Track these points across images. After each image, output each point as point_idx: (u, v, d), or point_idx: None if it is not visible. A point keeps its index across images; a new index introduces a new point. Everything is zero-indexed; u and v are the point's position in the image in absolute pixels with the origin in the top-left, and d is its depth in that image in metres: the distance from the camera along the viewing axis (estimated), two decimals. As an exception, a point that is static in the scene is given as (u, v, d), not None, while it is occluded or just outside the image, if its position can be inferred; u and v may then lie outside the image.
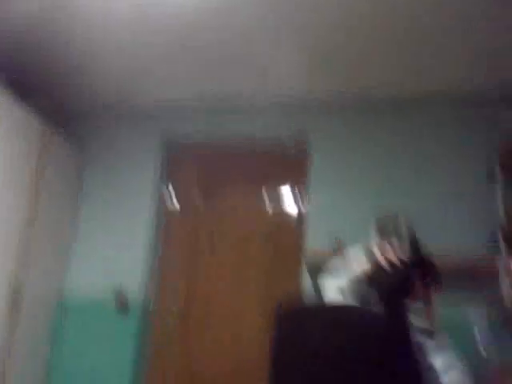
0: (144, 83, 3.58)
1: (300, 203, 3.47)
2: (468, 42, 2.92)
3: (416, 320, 1.32)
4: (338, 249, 3.04)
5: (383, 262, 1.53)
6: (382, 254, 1.57)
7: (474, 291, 2.96)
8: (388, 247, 1.64)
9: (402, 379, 1.21)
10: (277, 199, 3.52)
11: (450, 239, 3.06)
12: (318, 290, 1.53)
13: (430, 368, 1.25)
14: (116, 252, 3.50)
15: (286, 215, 3.47)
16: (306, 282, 3.19)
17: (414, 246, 1.66)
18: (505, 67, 3.11)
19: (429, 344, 1.29)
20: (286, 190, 3.53)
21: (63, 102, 3.82)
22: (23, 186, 3.15)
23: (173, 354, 3.35)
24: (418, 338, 1.29)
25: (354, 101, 3.46)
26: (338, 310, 1.46)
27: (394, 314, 1.27)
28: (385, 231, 3.03)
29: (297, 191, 3.50)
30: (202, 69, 3.36)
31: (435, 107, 3.35)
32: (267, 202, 3.52)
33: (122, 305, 3.36)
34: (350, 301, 1.43)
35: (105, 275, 3.46)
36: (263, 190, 3.55)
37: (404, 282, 1.49)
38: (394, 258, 1.52)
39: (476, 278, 2.98)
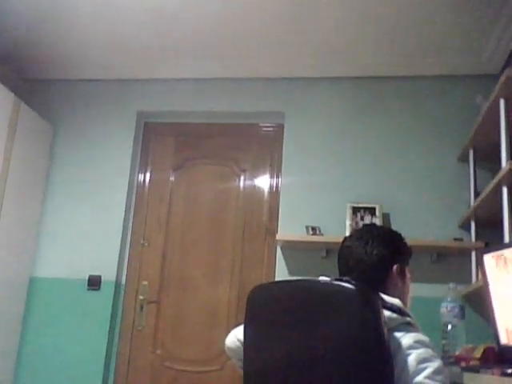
0: (121, 56, 3.52)
1: (274, 181, 3.46)
2: (446, 27, 2.94)
3: (393, 308, 1.33)
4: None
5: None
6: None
7: (442, 268, 3.02)
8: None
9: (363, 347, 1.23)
10: (251, 176, 3.50)
11: (423, 220, 3.11)
12: None
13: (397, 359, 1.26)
14: (88, 227, 3.44)
15: (262, 193, 3.46)
16: (279, 261, 3.22)
17: (390, 230, 1.66)
18: (480, 50, 3.14)
19: (404, 337, 1.29)
20: (260, 167, 3.51)
21: (35, 73, 3.74)
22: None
23: (145, 334, 3.34)
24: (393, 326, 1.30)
25: (335, 82, 3.45)
26: (302, 280, 1.48)
27: (367, 290, 1.28)
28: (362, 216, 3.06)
29: (272, 169, 3.49)
30: (180, 44, 3.32)
31: (410, 88, 3.36)
32: (241, 179, 3.51)
33: (94, 282, 3.33)
34: None
35: (76, 252, 3.41)
36: (237, 166, 3.53)
37: (381, 263, 1.50)
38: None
39: (444, 255, 3.04)
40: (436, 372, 1.23)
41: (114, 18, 3.08)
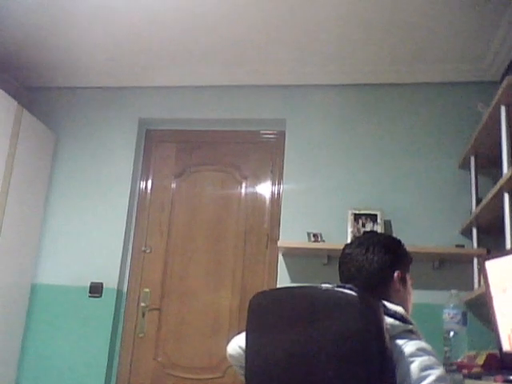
0: (122, 63, 3.54)
1: (276, 187, 3.46)
2: (452, 34, 2.95)
3: (395, 315, 1.32)
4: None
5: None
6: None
7: (446, 274, 3.02)
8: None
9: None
10: (253, 183, 3.50)
11: (424, 227, 3.11)
12: None
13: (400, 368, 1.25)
14: (90, 234, 3.44)
15: (264, 200, 3.46)
16: (281, 267, 3.22)
17: (390, 237, 1.66)
18: (481, 57, 3.15)
19: (405, 344, 1.29)
20: (262, 174, 3.51)
21: (37, 80, 3.75)
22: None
23: (147, 341, 3.34)
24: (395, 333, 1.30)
25: (336, 89, 3.46)
26: (304, 287, 1.48)
27: (369, 299, 1.28)
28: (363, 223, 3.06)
29: (273, 175, 3.49)
30: (182, 51, 3.34)
31: (411, 95, 3.37)
32: (243, 185, 3.51)
33: (96, 289, 3.33)
34: None
35: (78, 259, 3.41)
36: (239, 173, 3.53)
37: (382, 270, 1.50)
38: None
39: (446, 262, 3.03)
40: (439, 379, 1.23)
41: (115, 26, 3.10)
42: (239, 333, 1.62)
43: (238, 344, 1.61)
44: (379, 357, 1.22)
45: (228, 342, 1.68)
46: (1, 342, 3.15)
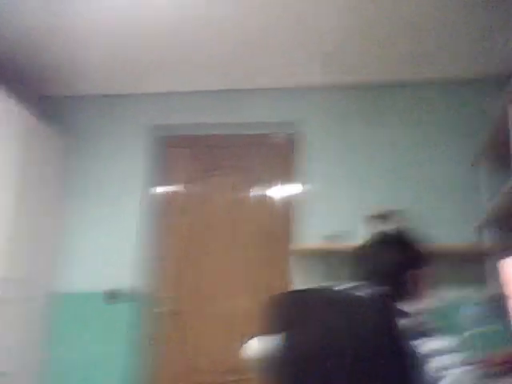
0: (134, 70, 3.56)
1: (290, 191, 3.47)
2: (459, 31, 2.94)
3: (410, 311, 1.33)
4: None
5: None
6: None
7: (461, 273, 3.00)
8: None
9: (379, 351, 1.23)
10: (266, 186, 3.51)
11: (439, 226, 3.09)
12: None
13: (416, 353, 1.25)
14: (105, 240, 3.47)
15: (276, 203, 3.47)
16: (295, 270, 3.22)
17: (405, 236, 1.66)
18: (492, 55, 3.13)
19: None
20: (276, 177, 3.52)
21: (49, 89, 3.79)
22: (9, 175, 3.09)
23: (164, 346, 3.35)
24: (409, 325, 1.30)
25: (346, 90, 3.46)
26: (318, 288, 1.49)
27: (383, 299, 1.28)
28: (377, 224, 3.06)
29: (287, 178, 3.50)
30: (193, 57, 3.36)
31: (423, 94, 3.36)
32: (256, 189, 3.52)
33: (112, 295, 3.35)
34: None
35: (94, 266, 3.44)
36: (251, 177, 3.54)
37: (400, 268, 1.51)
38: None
39: (462, 260, 3.02)
40: (458, 379, 1.23)
41: (126, 32, 3.12)
42: (257, 335, 1.63)
43: (257, 345, 1.62)
44: (394, 357, 1.22)
45: (245, 345, 1.69)
46: (21, 352, 3.18)
